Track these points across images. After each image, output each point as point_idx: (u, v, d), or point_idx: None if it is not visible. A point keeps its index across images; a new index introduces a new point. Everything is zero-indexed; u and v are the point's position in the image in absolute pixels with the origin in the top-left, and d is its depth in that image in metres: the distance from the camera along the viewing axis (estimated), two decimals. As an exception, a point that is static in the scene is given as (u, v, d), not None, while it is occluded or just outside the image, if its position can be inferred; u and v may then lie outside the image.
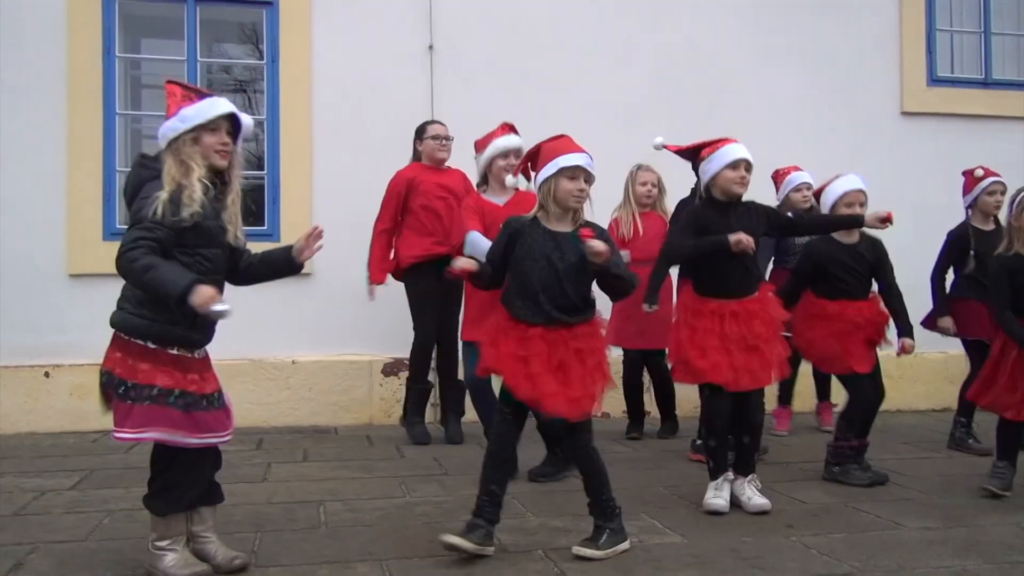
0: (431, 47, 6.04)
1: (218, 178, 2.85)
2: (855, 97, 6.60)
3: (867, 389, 4.19)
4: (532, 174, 3.25)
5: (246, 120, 2.92)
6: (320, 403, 5.80)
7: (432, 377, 5.35)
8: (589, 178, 3.12)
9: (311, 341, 5.82)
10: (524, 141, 4.15)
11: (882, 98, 6.67)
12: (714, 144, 3.75)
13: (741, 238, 3.61)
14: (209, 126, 2.78)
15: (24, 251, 5.53)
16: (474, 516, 3.03)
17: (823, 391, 5.72)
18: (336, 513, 3.60)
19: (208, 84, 6.62)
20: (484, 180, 4.47)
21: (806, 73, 6.53)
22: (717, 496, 3.65)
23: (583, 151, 3.12)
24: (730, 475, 3.75)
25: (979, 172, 5.02)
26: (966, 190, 5.08)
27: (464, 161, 5.09)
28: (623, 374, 5.36)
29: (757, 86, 6.42)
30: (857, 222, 4.09)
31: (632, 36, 6.32)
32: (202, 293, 2.56)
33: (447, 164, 5.27)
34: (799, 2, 6.57)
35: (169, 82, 2.90)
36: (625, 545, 3.09)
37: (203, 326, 2.77)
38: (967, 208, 5.08)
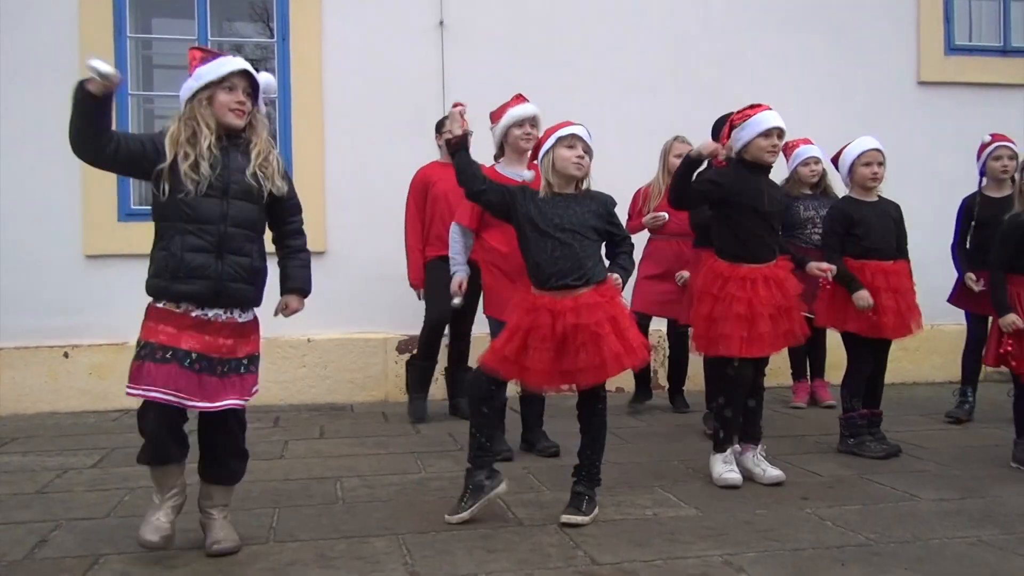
0: (441, 23, 6.01)
1: (239, 138, 2.82)
2: (871, 66, 6.53)
3: (869, 357, 4.20)
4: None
5: (265, 78, 2.88)
6: (336, 381, 5.85)
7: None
8: (588, 149, 3.19)
9: (326, 320, 5.78)
10: (539, 110, 4.15)
11: (899, 67, 6.60)
12: (745, 111, 3.69)
13: (709, 143, 3.58)
14: (224, 84, 2.76)
15: (40, 233, 5.58)
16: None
17: (817, 368, 5.60)
18: (353, 489, 3.64)
19: (219, 63, 6.61)
20: (501, 151, 4.45)
21: (821, 41, 6.46)
22: (731, 470, 3.65)
23: (578, 124, 3.21)
24: (737, 447, 3.77)
25: (987, 138, 5.00)
26: (978, 156, 5.06)
27: (479, 141, 5.05)
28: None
29: (771, 54, 6.36)
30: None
31: (644, 7, 6.26)
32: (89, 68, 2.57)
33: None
34: (814, -29, 6.48)
35: (192, 48, 2.92)
36: (597, 511, 3.18)
37: (188, 275, 2.70)
38: (980, 175, 5.05)
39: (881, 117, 6.28)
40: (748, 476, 3.70)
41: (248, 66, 2.84)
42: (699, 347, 3.81)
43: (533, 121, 4.14)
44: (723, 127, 3.85)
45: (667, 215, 4.98)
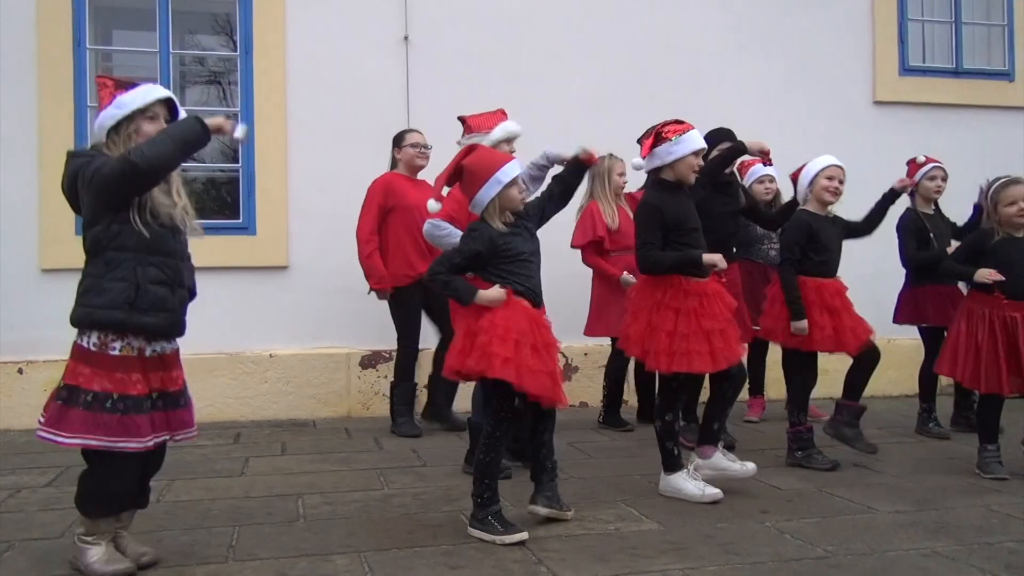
0: (406, 38, 6.02)
1: None
2: (828, 86, 6.67)
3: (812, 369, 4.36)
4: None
5: (191, 116, 2.86)
6: (298, 396, 5.80)
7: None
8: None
9: (288, 334, 5.81)
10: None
11: (855, 87, 6.74)
12: (674, 127, 3.68)
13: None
14: (147, 113, 2.75)
15: (-4, 246, 5.48)
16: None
17: (755, 385, 5.63)
18: (314, 506, 3.60)
19: (181, 76, 6.58)
20: None
21: (780, 63, 6.59)
22: (706, 485, 3.66)
23: (512, 157, 3.29)
24: (698, 460, 3.82)
25: (921, 158, 5.15)
26: (908, 175, 5.17)
27: (430, 169, 5.07)
28: (609, 363, 5.41)
29: (731, 76, 6.47)
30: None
31: (608, 26, 6.34)
32: (213, 120, 2.69)
33: (421, 175, 5.28)
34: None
35: (100, 76, 2.90)
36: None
37: (150, 307, 2.68)
38: (910, 193, 5.16)
39: (838, 135, 6.42)
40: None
41: (171, 94, 2.84)
42: (659, 364, 3.64)
43: (514, 141, 4.20)
44: (647, 137, 3.77)
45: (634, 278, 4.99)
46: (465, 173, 3.21)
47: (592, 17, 6.32)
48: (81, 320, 2.69)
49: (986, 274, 4.02)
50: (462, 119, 4.39)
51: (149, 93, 2.76)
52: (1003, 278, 4.00)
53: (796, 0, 6.65)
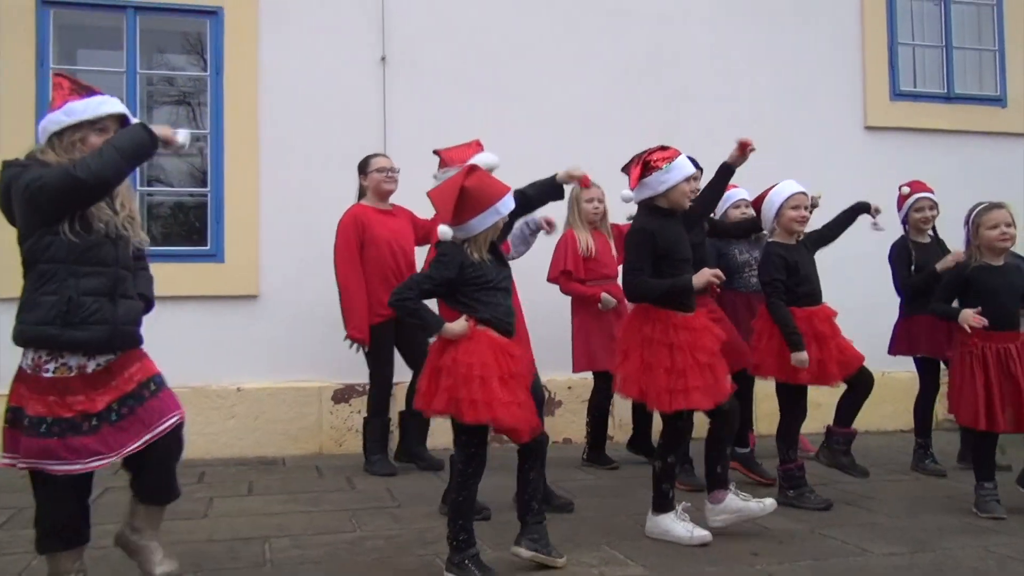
0: (383, 58, 6.04)
1: None
2: (818, 111, 6.75)
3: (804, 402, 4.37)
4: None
5: (135, 123, 2.84)
6: (266, 432, 5.73)
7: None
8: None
9: (257, 367, 5.75)
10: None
11: (845, 112, 6.84)
12: (662, 154, 3.67)
13: (706, 276, 3.62)
14: (97, 125, 2.72)
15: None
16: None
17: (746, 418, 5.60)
18: (282, 550, 3.54)
19: (149, 96, 6.56)
20: None
21: (768, 86, 6.67)
22: (696, 527, 3.63)
23: (509, 189, 3.29)
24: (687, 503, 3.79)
25: (905, 189, 5.19)
26: (898, 207, 5.23)
27: (408, 193, 5.09)
28: (592, 397, 5.38)
29: (719, 97, 6.53)
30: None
31: (591, 46, 6.40)
32: (162, 129, 2.66)
33: (392, 200, 5.27)
34: (761, 14, 6.71)
35: (57, 75, 2.85)
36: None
37: (83, 320, 2.64)
38: (902, 224, 5.23)
39: (828, 160, 6.50)
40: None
41: (125, 109, 2.81)
42: (661, 404, 3.58)
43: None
44: (633, 166, 3.74)
45: (614, 300, 5.09)
46: (463, 196, 3.15)
47: (576, 35, 6.38)
48: (15, 338, 2.67)
49: (969, 318, 4.06)
50: (437, 152, 4.40)
51: (101, 106, 2.73)
52: (986, 321, 4.04)
53: (784, 23, 6.75)
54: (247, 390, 5.74)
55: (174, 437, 2.85)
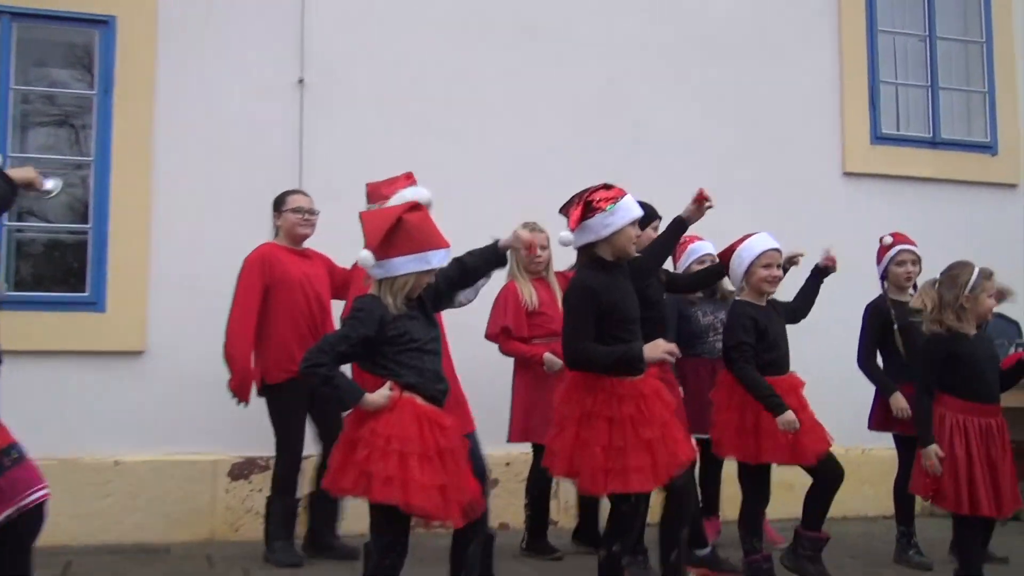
0: (301, 81, 5.92)
1: None
2: (792, 154, 6.72)
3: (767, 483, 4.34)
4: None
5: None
6: (148, 514, 5.46)
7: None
8: None
9: (140, 436, 5.49)
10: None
11: (822, 156, 6.84)
12: (605, 193, 3.61)
13: (662, 349, 3.55)
14: None
15: None
16: None
17: (708, 504, 5.38)
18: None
19: (24, 115, 6.38)
20: None
21: (737, 125, 6.60)
22: None
23: (448, 245, 3.28)
24: None
25: (887, 239, 5.15)
26: (878, 259, 5.19)
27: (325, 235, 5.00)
28: (530, 476, 5.25)
29: (681, 136, 6.45)
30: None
31: (537, 76, 6.29)
32: (22, 173, 2.81)
33: (307, 244, 5.17)
34: (727, 47, 6.68)
35: None
36: None
37: None
38: (881, 279, 5.18)
39: (802, 209, 6.50)
40: None
41: None
42: (594, 485, 3.53)
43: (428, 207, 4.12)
44: (574, 207, 3.67)
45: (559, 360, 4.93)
46: (398, 228, 3.13)
47: (520, 64, 6.26)
48: None
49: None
50: (367, 185, 4.43)
51: None
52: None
53: (755, 56, 6.69)
54: (126, 463, 5.46)
55: (38, 515, 2.81)
